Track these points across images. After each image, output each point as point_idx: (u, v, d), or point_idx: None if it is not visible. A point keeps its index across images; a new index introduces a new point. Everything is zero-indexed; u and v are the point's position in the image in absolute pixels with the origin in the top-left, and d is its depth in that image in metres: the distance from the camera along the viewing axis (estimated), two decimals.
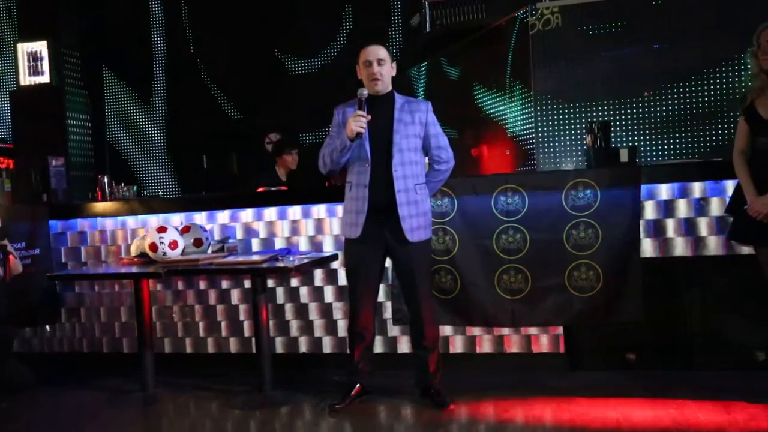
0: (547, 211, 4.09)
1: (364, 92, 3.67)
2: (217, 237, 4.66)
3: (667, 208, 4.07)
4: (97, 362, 4.93)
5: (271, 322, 4.39)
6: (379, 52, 3.70)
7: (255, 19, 8.26)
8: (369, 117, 3.62)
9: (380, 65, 3.68)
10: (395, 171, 3.65)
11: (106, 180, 5.32)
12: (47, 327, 5.01)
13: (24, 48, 7.59)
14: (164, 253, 4.20)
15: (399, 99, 3.77)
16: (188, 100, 8.55)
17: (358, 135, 3.61)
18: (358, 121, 3.59)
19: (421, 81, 7.04)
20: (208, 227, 4.63)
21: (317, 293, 4.55)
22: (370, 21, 7.99)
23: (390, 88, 3.79)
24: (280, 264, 3.91)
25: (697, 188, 4.03)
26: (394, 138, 3.67)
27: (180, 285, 4.77)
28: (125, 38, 8.60)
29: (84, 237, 4.95)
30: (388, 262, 3.88)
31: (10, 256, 4.34)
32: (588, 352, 4.27)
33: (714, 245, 4.02)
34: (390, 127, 3.68)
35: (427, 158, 3.86)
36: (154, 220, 4.78)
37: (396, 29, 7.98)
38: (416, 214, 3.68)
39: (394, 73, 3.79)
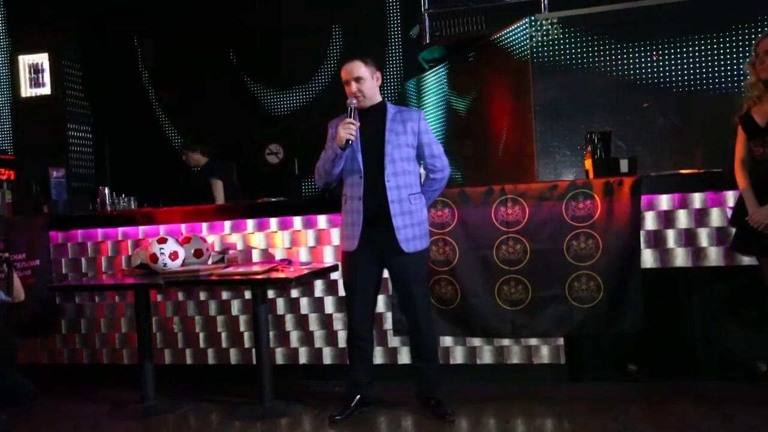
0: (547, 221, 4.09)
1: (354, 102, 3.69)
2: (217, 248, 4.66)
3: (667, 218, 4.07)
4: (97, 373, 4.92)
5: (271, 333, 4.38)
6: (355, 69, 3.70)
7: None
8: (358, 123, 3.64)
9: (358, 82, 3.70)
10: (388, 182, 3.65)
11: (106, 191, 5.33)
12: (47, 338, 5.00)
13: (25, 60, 7.61)
14: (164, 264, 4.20)
15: (391, 109, 3.78)
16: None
17: (348, 142, 3.61)
18: (347, 129, 3.60)
19: (429, 90, 7.06)
20: (208, 238, 4.63)
21: (317, 304, 4.54)
22: (363, 40, 7.90)
23: (378, 99, 3.80)
24: (280, 275, 3.92)
25: (697, 199, 4.03)
26: (386, 149, 3.68)
27: (180, 296, 4.77)
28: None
29: (84, 248, 4.95)
30: (386, 273, 3.88)
31: (15, 275, 4.34)
32: (589, 362, 4.26)
33: (714, 256, 4.01)
34: (382, 138, 3.69)
35: (422, 168, 3.86)
36: (154, 231, 4.78)
37: (395, 41, 7.99)
38: (411, 225, 3.68)
39: (378, 83, 3.80)
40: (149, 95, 8.69)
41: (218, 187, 6.18)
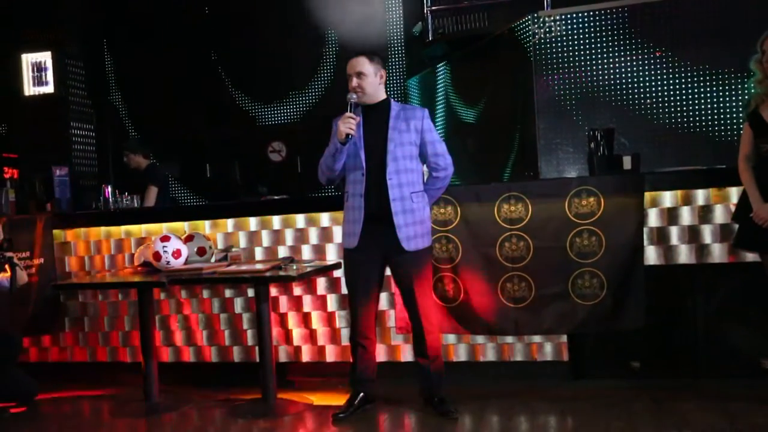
0: (550, 218, 4.08)
1: (353, 96, 3.69)
2: (220, 246, 4.67)
3: (670, 215, 4.07)
4: (99, 371, 4.93)
5: (274, 331, 4.39)
6: (357, 65, 3.70)
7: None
8: (358, 118, 3.64)
9: (360, 78, 3.70)
10: (389, 179, 3.65)
11: (109, 189, 5.33)
12: (50, 336, 5.02)
13: (28, 58, 7.61)
14: (167, 262, 4.20)
15: (395, 106, 3.78)
16: None
17: (348, 137, 3.61)
18: (346, 123, 3.60)
19: (431, 87, 7.04)
20: (211, 236, 4.64)
21: (320, 301, 4.55)
22: (362, 37, 7.84)
23: (382, 96, 3.80)
24: (283, 273, 3.92)
25: (700, 195, 4.02)
26: (389, 146, 3.67)
27: (183, 294, 4.77)
28: None
29: (87, 246, 4.96)
30: (388, 270, 3.87)
31: (17, 268, 4.35)
32: (591, 360, 4.26)
33: (718, 252, 4.00)
34: (385, 136, 3.69)
35: (425, 166, 3.86)
36: (157, 229, 4.79)
37: (397, 39, 7.97)
38: (413, 223, 3.68)
39: (383, 81, 3.80)
40: (149, 96, 8.69)
41: (152, 194, 6.00)
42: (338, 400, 3.98)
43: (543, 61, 5.08)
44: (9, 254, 4.30)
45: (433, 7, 6.29)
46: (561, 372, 4.23)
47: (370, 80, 3.71)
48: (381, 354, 4.36)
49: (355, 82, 3.70)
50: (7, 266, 4.26)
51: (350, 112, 3.64)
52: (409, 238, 3.67)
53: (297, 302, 4.58)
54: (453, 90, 6.51)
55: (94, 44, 8.45)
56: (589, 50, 4.99)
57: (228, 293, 4.70)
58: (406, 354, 4.38)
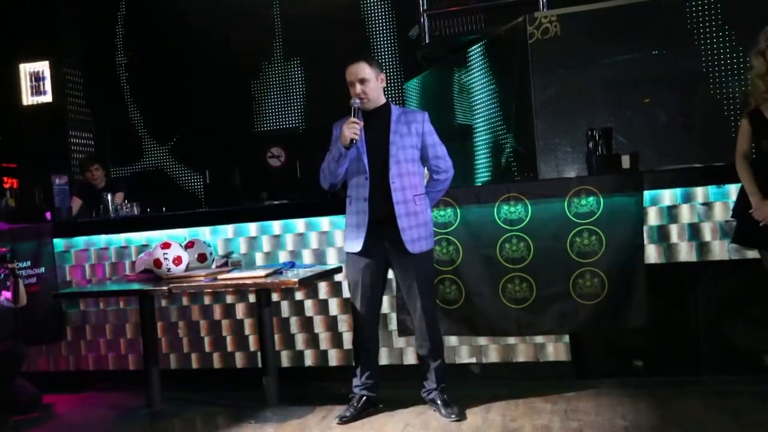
0: (550, 219, 4.08)
1: (357, 102, 3.69)
2: (221, 251, 4.67)
3: (670, 213, 4.07)
4: (103, 379, 4.93)
5: (276, 336, 4.39)
6: (359, 71, 3.70)
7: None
8: (362, 123, 3.64)
9: (363, 84, 3.69)
10: (393, 183, 3.66)
11: (109, 197, 5.33)
12: (53, 345, 5.01)
13: (26, 68, 7.62)
14: (169, 269, 4.20)
15: (395, 110, 3.78)
16: None
17: (353, 142, 3.62)
18: (351, 128, 3.60)
19: (429, 90, 7.04)
20: (212, 242, 4.63)
21: (322, 306, 4.55)
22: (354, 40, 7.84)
23: (382, 101, 3.81)
24: (284, 278, 3.92)
25: (700, 193, 4.03)
26: (391, 150, 3.68)
27: (185, 300, 4.77)
28: None
29: (88, 254, 4.96)
30: (390, 274, 3.88)
31: (20, 282, 4.36)
32: (594, 359, 4.26)
33: (718, 250, 4.01)
34: (386, 140, 3.70)
35: (426, 169, 3.87)
36: (158, 236, 4.78)
37: (391, 42, 7.98)
38: (416, 225, 3.69)
39: (383, 84, 3.80)
40: (151, 101, 8.70)
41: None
42: (341, 404, 3.97)
43: (540, 62, 5.08)
44: (11, 265, 4.31)
45: (430, 11, 6.30)
46: (564, 372, 4.22)
47: (373, 85, 3.72)
48: (384, 357, 4.37)
49: (359, 89, 3.69)
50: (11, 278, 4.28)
51: (354, 117, 3.65)
52: (413, 241, 3.67)
53: (299, 307, 4.58)
54: (450, 92, 6.51)
55: (93, 53, 8.46)
56: (586, 50, 5.00)
57: (230, 299, 4.70)
58: (409, 356, 4.38)
